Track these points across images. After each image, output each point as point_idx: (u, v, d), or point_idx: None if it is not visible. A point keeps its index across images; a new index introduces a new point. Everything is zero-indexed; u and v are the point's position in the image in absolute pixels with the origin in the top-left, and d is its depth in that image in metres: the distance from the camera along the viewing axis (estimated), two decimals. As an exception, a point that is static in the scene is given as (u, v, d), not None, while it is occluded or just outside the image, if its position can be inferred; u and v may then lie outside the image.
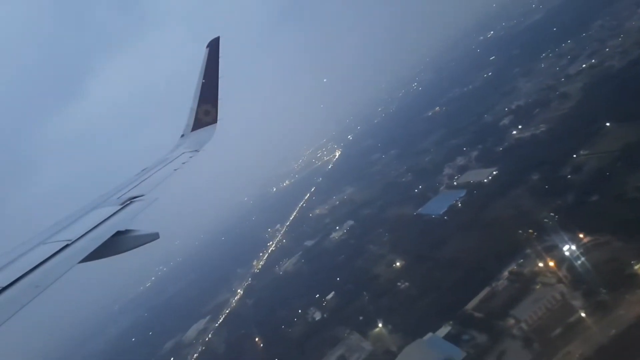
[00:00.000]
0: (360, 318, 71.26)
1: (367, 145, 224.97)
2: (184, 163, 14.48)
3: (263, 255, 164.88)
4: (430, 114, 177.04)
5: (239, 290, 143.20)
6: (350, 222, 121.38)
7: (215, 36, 17.88)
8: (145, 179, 13.03)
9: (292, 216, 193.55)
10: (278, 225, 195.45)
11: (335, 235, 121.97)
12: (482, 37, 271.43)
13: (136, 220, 9.73)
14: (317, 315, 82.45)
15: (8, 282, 6.45)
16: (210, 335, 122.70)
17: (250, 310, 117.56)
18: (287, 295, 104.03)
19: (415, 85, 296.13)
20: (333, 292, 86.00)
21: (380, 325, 64.83)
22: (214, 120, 17.91)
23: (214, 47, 17.81)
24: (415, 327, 57.63)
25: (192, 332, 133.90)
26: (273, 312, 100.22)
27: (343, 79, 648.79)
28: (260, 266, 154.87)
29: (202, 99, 17.85)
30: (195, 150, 15.90)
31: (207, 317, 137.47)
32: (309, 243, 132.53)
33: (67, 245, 8.01)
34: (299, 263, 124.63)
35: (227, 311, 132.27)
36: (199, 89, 17.85)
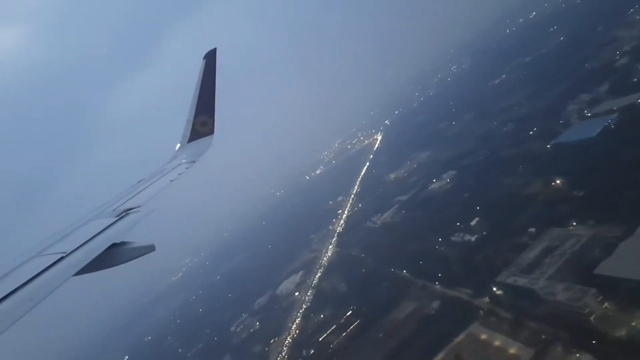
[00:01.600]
0: (532, 230, 71.15)
1: (420, 120, 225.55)
2: (180, 174, 14.49)
3: (338, 221, 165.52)
4: (497, 81, 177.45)
5: (329, 247, 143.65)
6: (452, 172, 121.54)
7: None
8: (141, 190, 13.05)
9: (355, 188, 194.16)
10: (340, 197, 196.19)
11: (435, 185, 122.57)
12: (521, 19, 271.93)
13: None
14: (470, 237, 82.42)
15: (2, 295, 6.39)
16: (316, 280, 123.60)
17: (360, 255, 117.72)
18: (410, 234, 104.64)
19: (454, 69, 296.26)
20: (477, 218, 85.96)
21: (574, 223, 65.01)
22: (211, 132, 17.96)
23: (210, 58, 17.97)
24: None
25: (287, 285, 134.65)
26: (402, 248, 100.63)
27: (360, 74, 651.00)
28: (340, 228, 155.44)
29: (199, 110, 17.90)
30: (192, 161, 15.89)
31: (300, 272, 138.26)
32: (402, 198, 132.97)
33: (62, 258, 7.96)
34: (398, 214, 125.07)
35: (324, 262, 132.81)
36: (195, 100, 17.93)
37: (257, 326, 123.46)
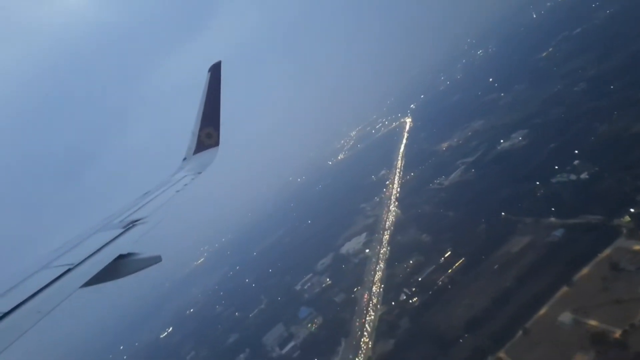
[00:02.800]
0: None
1: (458, 98, 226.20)
2: (186, 185, 14.73)
3: (389, 189, 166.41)
4: (544, 54, 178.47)
5: (389, 210, 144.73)
6: (522, 132, 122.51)
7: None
8: (147, 202, 13.23)
9: (399, 162, 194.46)
10: (384, 171, 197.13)
11: (506, 145, 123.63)
12: (549, 4, 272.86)
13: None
14: (576, 176, 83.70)
15: (9, 308, 6.45)
16: (387, 237, 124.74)
17: (435, 211, 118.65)
18: (494, 185, 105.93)
19: (480, 53, 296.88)
20: (578, 161, 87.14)
21: None
22: (216, 143, 18.26)
23: (215, 71, 18.24)
24: None
25: (351, 245, 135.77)
26: (489, 197, 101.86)
27: (371, 67, 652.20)
28: (396, 194, 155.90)
29: (204, 122, 18.18)
30: (198, 173, 16.07)
31: (363, 234, 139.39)
32: (467, 160, 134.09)
33: (69, 270, 8.04)
34: (468, 173, 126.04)
35: (389, 223, 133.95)
36: (200, 112, 18.18)
37: (329, 282, 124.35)
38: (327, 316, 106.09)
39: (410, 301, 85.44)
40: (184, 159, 18.69)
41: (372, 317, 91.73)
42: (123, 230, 10.46)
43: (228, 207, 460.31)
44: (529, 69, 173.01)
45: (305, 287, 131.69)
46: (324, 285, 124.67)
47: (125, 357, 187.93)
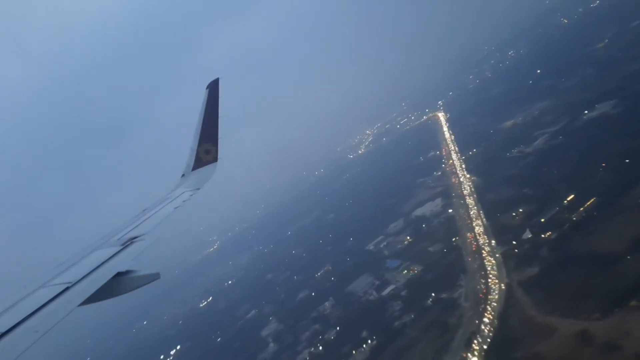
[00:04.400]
0: None
1: (499, 91, 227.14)
2: (185, 201, 15.17)
3: (449, 164, 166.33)
4: (600, 45, 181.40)
5: (460, 178, 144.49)
6: (609, 102, 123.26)
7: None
8: (146, 219, 13.48)
9: (449, 144, 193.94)
10: (432, 153, 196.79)
11: (593, 114, 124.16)
12: (581, 9, 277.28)
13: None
14: None
15: (7, 328, 6.48)
16: (471, 199, 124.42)
17: (525, 174, 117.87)
18: (601, 142, 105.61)
19: (512, 53, 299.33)
20: None
21: None
22: (215, 159, 18.52)
23: (213, 88, 18.92)
24: None
25: (427, 208, 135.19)
26: (600, 152, 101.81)
27: (379, 70, 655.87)
28: (462, 165, 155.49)
29: (203, 138, 18.55)
30: (197, 189, 16.52)
31: (437, 199, 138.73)
32: (549, 129, 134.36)
33: (67, 288, 8.12)
34: (554, 140, 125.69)
35: (467, 187, 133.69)
36: (199, 129, 18.61)
37: (410, 240, 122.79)
38: (426, 263, 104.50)
39: (543, 236, 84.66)
40: (183, 175, 18.88)
41: (490, 256, 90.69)
42: (121, 247, 10.66)
43: (229, 203, 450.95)
44: (588, 57, 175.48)
45: (381, 247, 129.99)
46: (405, 242, 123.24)
47: (180, 322, 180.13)
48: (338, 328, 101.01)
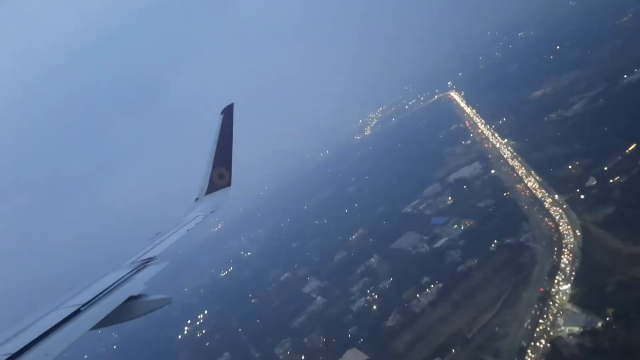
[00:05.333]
0: None
1: (518, 67, 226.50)
2: (197, 224, 15.56)
3: (478, 134, 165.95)
4: (624, 19, 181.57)
5: (496, 144, 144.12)
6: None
7: (233, 101, 19.72)
8: (159, 242, 13.60)
9: (472, 117, 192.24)
10: (455, 126, 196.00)
11: (634, 77, 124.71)
12: None
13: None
14: None
15: (18, 349, 6.59)
16: (516, 161, 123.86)
17: (569, 135, 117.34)
18: None
19: (521, 34, 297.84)
20: None
21: None
22: (228, 184, 18.67)
23: (228, 113, 19.18)
24: None
25: (466, 171, 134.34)
26: None
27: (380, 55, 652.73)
28: (493, 134, 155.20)
29: (217, 163, 18.73)
30: (211, 212, 16.69)
31: (474, 163, 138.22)
32: (586, 94, 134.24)
33: (78, 311, 8.17)
34: (594, 103, 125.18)
35: (506, 151, 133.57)
36: (213, 153, 18.82)
37: (452, 200, 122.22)
38: (479, 217, 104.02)
39: (611, 181, 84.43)
40: (196, 199, 18.97)
41: (554, 205, 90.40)
42: (134, 270, 10.71)
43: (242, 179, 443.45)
44: (614, 30, 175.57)
45: (420, 208, 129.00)
46: (448, 202, 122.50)
47: (202, 290, 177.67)
48: (391, 279, 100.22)
